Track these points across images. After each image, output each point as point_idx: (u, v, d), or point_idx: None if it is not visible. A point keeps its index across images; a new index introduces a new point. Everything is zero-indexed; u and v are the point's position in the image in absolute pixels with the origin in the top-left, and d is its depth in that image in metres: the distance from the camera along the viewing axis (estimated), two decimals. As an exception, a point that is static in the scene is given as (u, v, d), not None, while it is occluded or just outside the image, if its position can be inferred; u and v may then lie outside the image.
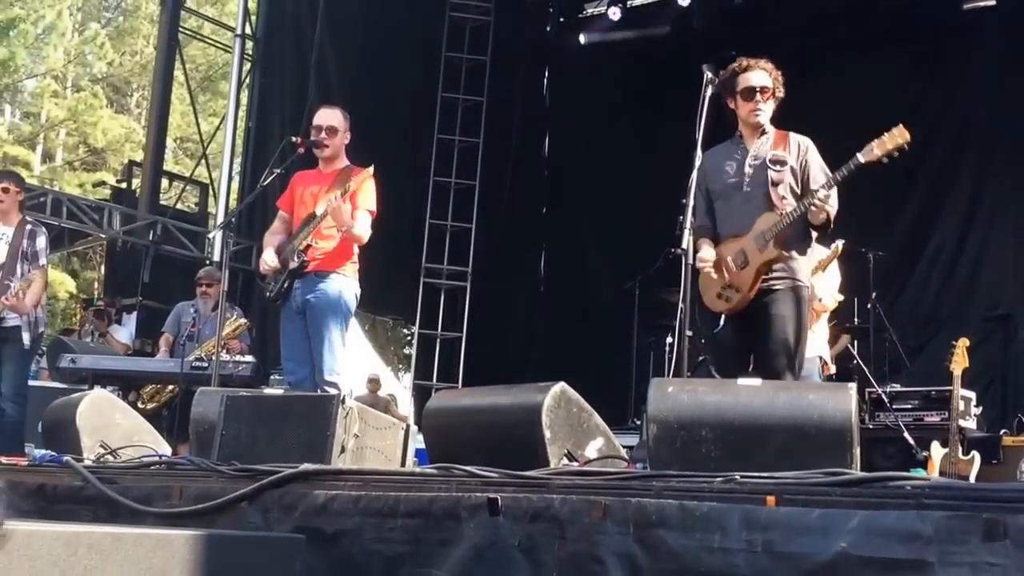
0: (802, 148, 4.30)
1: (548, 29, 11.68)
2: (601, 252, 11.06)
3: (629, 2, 10.69)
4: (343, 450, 3.26)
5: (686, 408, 3.04)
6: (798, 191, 4.23)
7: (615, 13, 10.44)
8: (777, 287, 4.19)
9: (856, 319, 7.07)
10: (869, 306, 7.10)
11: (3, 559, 1.97)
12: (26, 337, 5.96)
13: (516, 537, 2.72)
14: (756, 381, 3.21)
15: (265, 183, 4.97)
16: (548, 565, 2.66)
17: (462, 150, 10.75)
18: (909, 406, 6.01)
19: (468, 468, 2.94)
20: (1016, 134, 8.67)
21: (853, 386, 3.02)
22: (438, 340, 10.74)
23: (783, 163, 4.23)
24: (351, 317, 5.29)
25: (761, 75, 4.30)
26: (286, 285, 5.17)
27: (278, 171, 4.99)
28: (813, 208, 4.07)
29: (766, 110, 4.32)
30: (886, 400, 5.89)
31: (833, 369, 5.93)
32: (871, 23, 9.11)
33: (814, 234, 4.33)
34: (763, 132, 4.35)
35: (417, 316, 10.75)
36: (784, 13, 9.26)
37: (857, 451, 2.89)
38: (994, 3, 8.52)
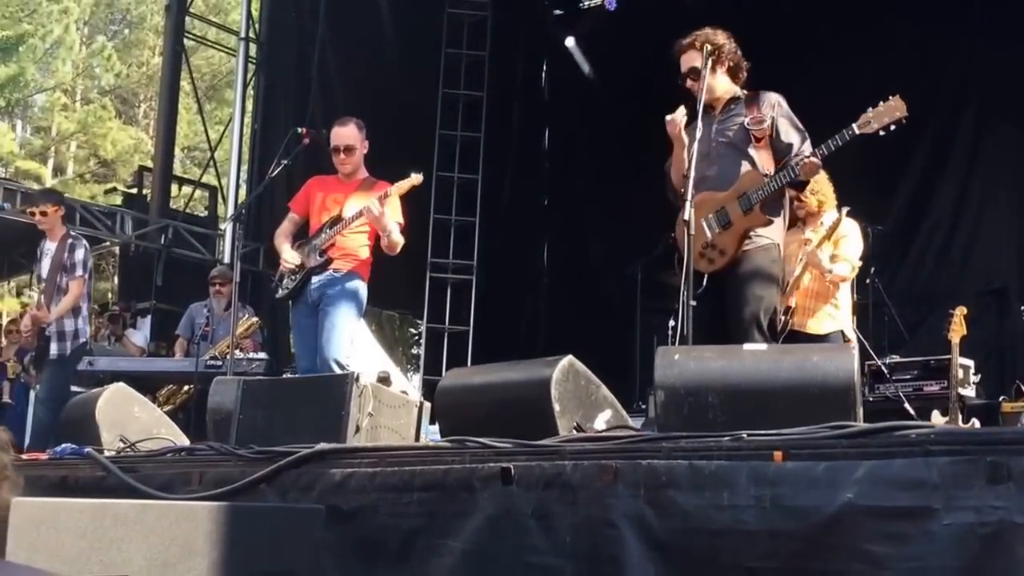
0: (772, 104, 4.30)
1: (546, 23, 11.71)
2: (602, 242, 11.12)
3: (625, -8, 10.73)
4: (358, 429, 3.31)
5: (692, 374, 3.08)
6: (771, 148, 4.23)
7: (611, 3, 10.47)
8: (748, 248, 4.22)
9: (855, 294, 7.08)
10: (868, 281, 7.12)
11: (31, 532, 2.02)
12: (54, 347, 6.14)
13: (530, 505, 2.77)
14: (761, 346, 3.26)
15: (273, 174, 5.05)
16: (561, 531, 2.71)
17: (464, 145, 10.79)
18: (908, 376, 6.00)
19: (481, 440, 2.99)
20: (1007, 110, 8.68)
21: (855, 346, 3.08)
22: (446, 334, 10.80)
23: (761, 120, 4.23)
24: (360, 318, 5.37)
25: (691, 57, 4.33)
26: (300, 284, 5.25)
27: (285, 162, 5.07)
28: (803, 165, 4.06)
29: (715, 83, 4.33)
30: (886, 371, 5.90)
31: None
32: (862, 3, 9.12)
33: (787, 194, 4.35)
34: (734, 98, 4.37)
35: (425, 310, 10.81)
36: (773, 4, 9.25)
37: (860, 411, 2.94)
38: (984, -19, 8.53)
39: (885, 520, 2.28)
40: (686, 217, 3.79)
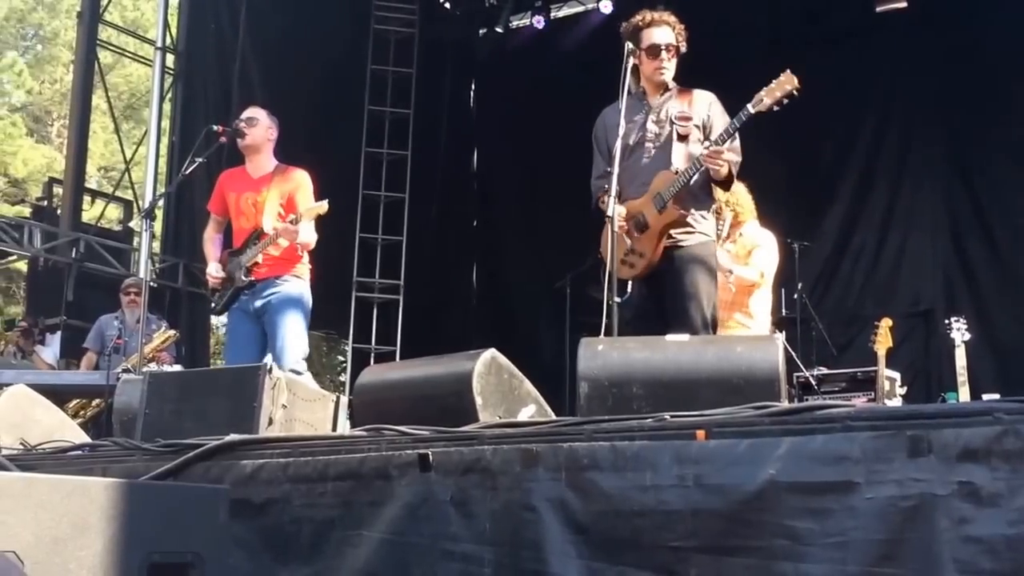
0: (706, 103, 4.25)
1: (474, 41, 11.71)
2: (532, 263, 11.07)
3: (553, 13, 10.81)
4: (271, 422, 3.19)
5: (616, 365, 3.05)
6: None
7: (539, 22, 10.54)
8: (684, 243, 4.15)
9: (784, 310, 7.15)
10: (796, 297, 7.20)
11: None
12: None
13: (448, 491, 2.69)
14: (684, 336, 3.23)
15: (188, 171, 4.91)
16: (480, 517, 2.63)
17: (390, 163, 10.69)
18: (836, 388, 6.01)
19: (398, 428, 2.90)
20: (930, 132, 8.92)
21: (780, 336, 3.07)
22: (372, 354, 10.62)
23: (688, 118, 4.17)
24: (308, 316, 5.23)
25: (665, 31, 4.21)
26: (232, 296, 5.13)
27: (199, 160, 4.93)
28: (709, 162, 4.00)
29: (670, 68, 4.24)
30: (814, 383, 5.93)
31: None
32: (786, 27, 9.29)
33: (716, 189, 4.28)
34: (666, 89, 4.29)
35: (351, 330, 10.62)
36: (700, 19, 9.34)
37: (785, 402, 2.92)
38: (905, 5, 8.76)
39: (807, 496, 2.26)
40: (610, 213, 3.75)
